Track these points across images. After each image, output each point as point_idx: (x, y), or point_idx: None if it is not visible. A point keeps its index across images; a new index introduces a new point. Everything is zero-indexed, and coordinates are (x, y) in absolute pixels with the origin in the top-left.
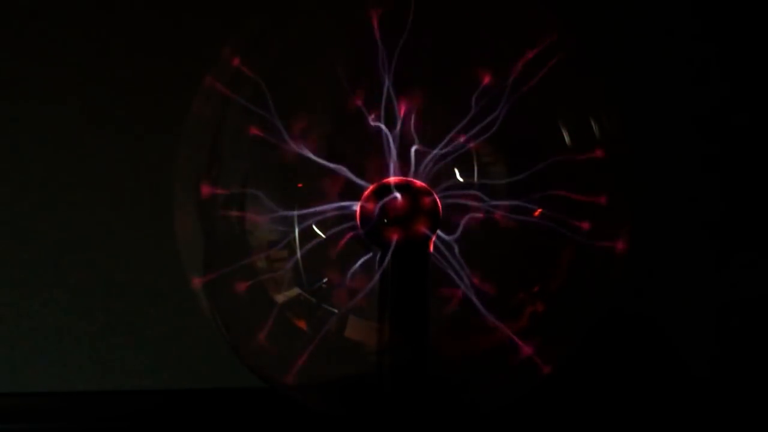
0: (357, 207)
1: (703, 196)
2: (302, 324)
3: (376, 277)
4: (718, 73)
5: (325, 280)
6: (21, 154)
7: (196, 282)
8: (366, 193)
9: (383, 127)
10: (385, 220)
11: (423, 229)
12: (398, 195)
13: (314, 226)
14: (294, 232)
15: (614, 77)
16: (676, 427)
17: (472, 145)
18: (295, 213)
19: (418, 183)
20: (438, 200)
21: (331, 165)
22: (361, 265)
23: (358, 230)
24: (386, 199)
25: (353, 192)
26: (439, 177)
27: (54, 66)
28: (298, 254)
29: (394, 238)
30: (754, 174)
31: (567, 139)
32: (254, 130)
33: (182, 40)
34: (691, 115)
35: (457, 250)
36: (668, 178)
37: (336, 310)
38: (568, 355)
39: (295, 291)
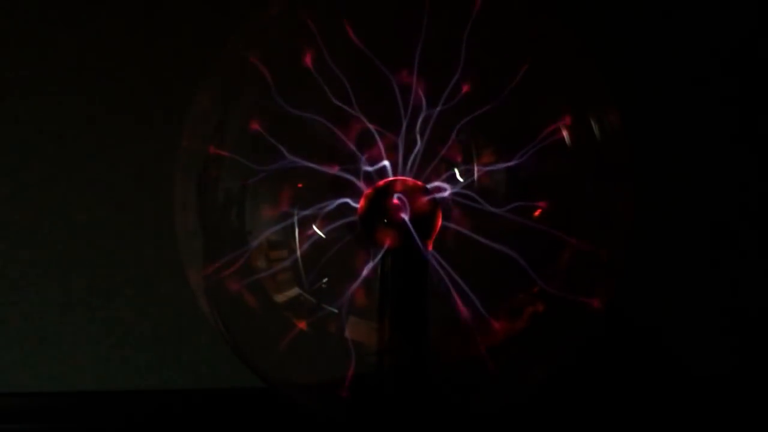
0: (358, 205)
1: (703, 195)
2: (302, 324)
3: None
4: (718, 76)
5: (325, 280)
6: (21, 154)
7: (196, 282)
8: (366, 193)
9: (382, 129)
10: (385, 220)
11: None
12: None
13: (314, 227)
14: (294, 231)
15: (615, 74)
16: (676, 428)
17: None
18: (295, 212)
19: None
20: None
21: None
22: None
23: (358, 229)
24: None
25: (354, 193)
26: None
27: (54, 66)
28: (298, 254)
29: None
30: (754, 174)
31: (567, 139)
32: (255, 126)
33: (182, 38)
34: (691, 117)
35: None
36: (668, 179)
37: (336, 310)
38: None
39: (295, 291)
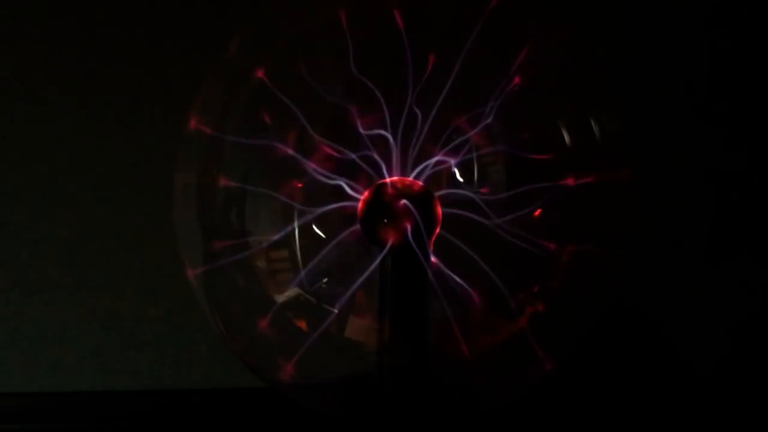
0: (358, 204)
1: (702, 191)
2: (302, 324)
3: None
4: (719, 76)
5: (325, 280)
6: (21, 154)
7: (196, 282)
8: (366, 192)
9: (385, 133)
10: (385, 220)
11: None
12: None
13: (314, 226)
14: (294, 231)
15: (615, 73)
16: (677, 425)
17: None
18: (295, 212)
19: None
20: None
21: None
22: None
23: (358, 229)
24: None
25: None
26: (440, 181)
27: (54, 66)
28: (298, 253)
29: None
30: (754, 171)
31: (567, 139)
32: (254, 135)
33: (182, 37)
34: (692, 114)
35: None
36: (668, 173)
37: (335, 310)
38: (569, 354)
39: (295, 291)
